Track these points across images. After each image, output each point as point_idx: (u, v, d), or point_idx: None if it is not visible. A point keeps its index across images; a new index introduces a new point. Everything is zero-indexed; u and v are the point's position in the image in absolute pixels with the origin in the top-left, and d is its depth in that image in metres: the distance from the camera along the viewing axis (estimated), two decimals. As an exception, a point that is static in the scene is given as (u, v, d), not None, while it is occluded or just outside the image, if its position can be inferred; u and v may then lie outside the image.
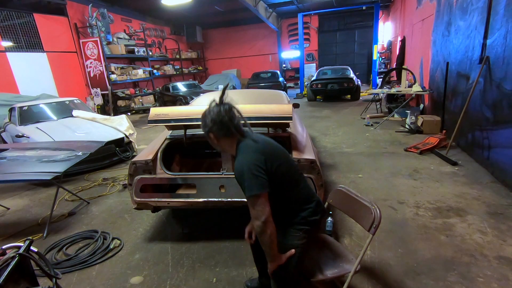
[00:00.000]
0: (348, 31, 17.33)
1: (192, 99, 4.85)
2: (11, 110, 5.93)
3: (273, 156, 1.54)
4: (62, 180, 4.05)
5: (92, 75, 10.24)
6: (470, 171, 4.04)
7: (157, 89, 12.42)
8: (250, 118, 2.33)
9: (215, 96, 1.61)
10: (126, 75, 11.23)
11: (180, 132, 2.82)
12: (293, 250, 1.57)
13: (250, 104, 2.66)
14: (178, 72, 15.44)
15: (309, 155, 2.51)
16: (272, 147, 1.60)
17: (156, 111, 2.49)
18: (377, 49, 12.82)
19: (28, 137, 4.94)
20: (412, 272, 2.25)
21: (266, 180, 1.45)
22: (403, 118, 7.11)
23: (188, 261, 2.53)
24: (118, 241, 2.87)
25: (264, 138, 1.64)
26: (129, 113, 10.91)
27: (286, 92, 12.24)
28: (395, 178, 3.97)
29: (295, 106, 5.00)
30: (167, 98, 11.13)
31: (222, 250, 2.66)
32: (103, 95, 10.12)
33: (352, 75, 11.22)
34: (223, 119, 1.52)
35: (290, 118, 2.36)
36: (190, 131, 2.83)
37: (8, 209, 3.82)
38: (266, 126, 2.91)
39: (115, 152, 5.27)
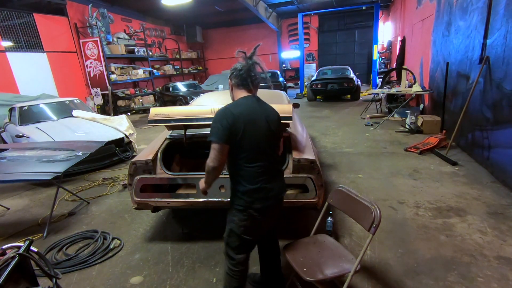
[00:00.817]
0: (348, 31, 17.33)
1: (192, 99, 4.85)
2: (11, 110, 5.93)
3: (246, 124, 1.62)
4: (62, 180, 4.05)
5: (92, 75, 10.24)
6: (470, 171, 4.04)
7: (157, 89, 12.42)
8: None
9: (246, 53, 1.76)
10: (126, 75, 11.23)
11: (180, 132, 2.82)
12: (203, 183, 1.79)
13: None
14: (178, 72, 15.44)
15: (309, 155, 2.50)
16: (253, 119, 1.66)
17: (156, 111, 2.49)
18: (377, 49, 12.81)
19: (28, 137, 4.94)
20: (412, 272, 2.25)
21: (226, 135, 1.59)
22: (403, 118, 7.11)
23: (188, 261, 2.53)
24: (118, 241, 2.87)
25: (254, 108, 1.71)
26: (129, 113, 10.91)
27: (286, 92, 12.24)
28: (395, 178, 3.97)
29: (295, 106, 4.99)
30: (167, 98, 11.13)
31: (222, 250, 2.65)
32: (103, 95, 10.12)
33: (352, 75, 11.22)
34: (242, 69, 1.70)
35: (290, 118, 2.36)
36: (190, 131, 2.83)
37: (8, 209, 3.82)
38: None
39: (115, 152, 5.27)
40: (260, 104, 1.76)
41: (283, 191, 1.83)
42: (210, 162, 1.63)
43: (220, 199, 2.51)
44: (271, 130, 1.73)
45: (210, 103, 3.87)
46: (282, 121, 2.32)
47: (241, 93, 1.73)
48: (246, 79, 1.70)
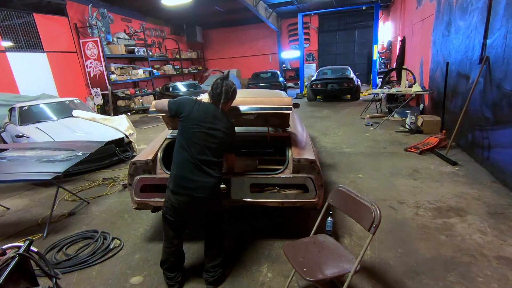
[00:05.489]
0: (348, 31, 17.32)
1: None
2: (11, 110, 5.93)
3: None
4: (62, 180, 4.05)
5: (92, 75, 10.24)
6: (470, 171, 4.04)
7: (157, 89, 12.42)
8: (251, 109, 2.45)
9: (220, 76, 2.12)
10: (126, 75, 11.23)
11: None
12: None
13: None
14: (178, 72, 15.44)
15: (309, 155, 2.51)
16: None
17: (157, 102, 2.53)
18: (377, 49, 12.81)
19: (28, 137, 4.93)
20: (412, 272, 2.25)
21: None
22: (403, 118, 7.11)
23: (187, 261, 2.52)
24: (118, 241, 2.87)
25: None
26: (129, 113, 10.91)
27: (286, 92, 12.24)
28: (395, 178, 3.97)
29: (295, 106, 4.99)
30: (167, 98, 11.12)
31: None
32: (103, 95, 10.11)
33: (352, 75, 11.22)
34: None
35: (290, 109, 2.41)
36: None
37: (8, 209, 3.82)
38: (266, 126, 2.91)
39: (115, 152, 5.27)
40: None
41: (208, 191, 2.00)
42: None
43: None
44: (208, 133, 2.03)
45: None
46: (282, 111, 2.49)
47: None
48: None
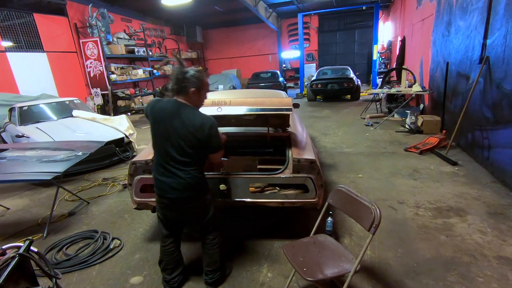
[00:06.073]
0: (348, 31, 17.32)
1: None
2: (11, 110, 5.92)
3: None
4: (62, 180, 4.05)
5: (92, 75, 10.24)
6: (470, 171, 4.04)
7: (157, 89, 12.42)
8: (251, 110, 2.44)
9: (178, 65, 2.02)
10: (126, 75, 11.22)
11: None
12: None
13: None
14: (178, 72, 15.41)
15: (309, 155, 2.51)
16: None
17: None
18: (377, 49, 12.81)
19: (28, 137, 4.94)
20: (412, 272, 2.25)
21: None
22: (403, 118, 7.11)
23: (187, 261, 2.52)
24: (118, 241, 2.87)
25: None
26: (129, 113, 10.91)
27: (286, 92, 12.25)
28: (395, 178, 3.97)
29: (295, 106, 5.00)
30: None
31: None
32: (103, 95, 10.11)
33: (352, 75, 11.22)
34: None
35: (290, 110, 2.42)
36: None
37: (8, 209, 3.82)
38: (266, 126, 2.91)
39: (115, 152, 5.27)
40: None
41: (177, 192, 1.92)
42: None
43: (219, 199, 2.52)
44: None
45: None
46: (282, 112, 2.46)
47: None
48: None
